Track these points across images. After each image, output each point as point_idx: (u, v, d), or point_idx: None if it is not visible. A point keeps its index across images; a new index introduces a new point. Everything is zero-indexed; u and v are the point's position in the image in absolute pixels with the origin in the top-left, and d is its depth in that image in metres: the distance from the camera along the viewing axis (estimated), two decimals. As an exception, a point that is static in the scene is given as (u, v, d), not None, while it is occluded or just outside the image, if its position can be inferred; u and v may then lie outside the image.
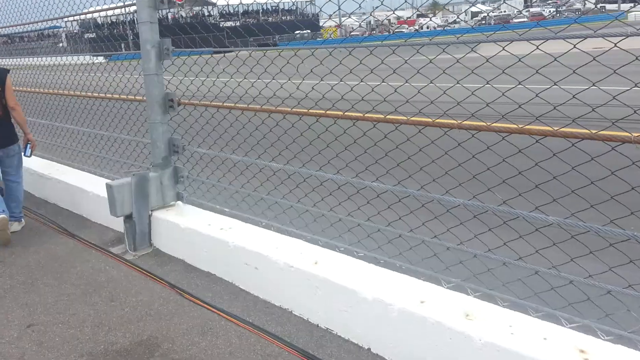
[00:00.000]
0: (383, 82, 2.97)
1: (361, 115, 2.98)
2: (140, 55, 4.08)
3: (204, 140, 4.19)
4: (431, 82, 2.69)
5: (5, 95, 4.65)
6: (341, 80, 3.03)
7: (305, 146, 3.53)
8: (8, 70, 4.70)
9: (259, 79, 3.73)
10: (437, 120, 2.66)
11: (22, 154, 4.95)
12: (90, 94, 5.50)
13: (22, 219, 5.05)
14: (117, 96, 5.12)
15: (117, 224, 4.66)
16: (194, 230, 3.80)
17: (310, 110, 3.30)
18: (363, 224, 3.14)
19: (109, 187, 4.02)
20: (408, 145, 2.96)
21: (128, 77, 5.19)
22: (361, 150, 3.19)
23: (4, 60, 8.35)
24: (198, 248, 3.78)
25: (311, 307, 2.96)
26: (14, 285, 3.79)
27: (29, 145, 4.99)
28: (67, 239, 4.63)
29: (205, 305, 3.29)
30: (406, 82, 3.00)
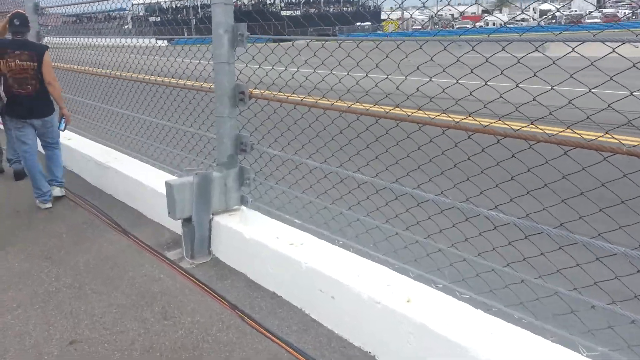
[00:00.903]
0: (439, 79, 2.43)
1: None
2: (212, 40, 3.63)
3: (276, 140, 3.70)
4: (486, 83, 2.19)
5: (42, 70, 4.88)
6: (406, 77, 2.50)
7: (402, 158, 2.98)
8: (47, 47, 5.02)
9: (331, 72, 3.20)
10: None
11: (57, 127, 5.20)
12: (154, 78, 5.12)
13: (63, 185, 5.33)
14: (182, 83, 4.71)
15: (174, 224, 4.26)
16: (259, 242, 3.33)
17: (413, 115, 2.77)
18: (470, 259, 2.58)
19: (168, 186, 3.60)
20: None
21: (192, 63, 4.77)
22: (472, 165, 2.63)
23: (69, 39, 8.17)
24: (263, 263, 3.31)
25: (402, 355, 2.43)
26: (60, 288, 3.43)
27: (63, 119, 5.21)
28: (121, 237, 4.26)
29: (270, 336, 2.81)
30: (457, 81, 2.46)
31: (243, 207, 3.87)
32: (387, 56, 2.89)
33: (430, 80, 2.61)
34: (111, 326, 2.97)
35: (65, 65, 7.70)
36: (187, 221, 3.72)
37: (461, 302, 2.47)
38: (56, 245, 4.14)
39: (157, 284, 3.43)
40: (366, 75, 2.93)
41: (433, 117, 2.64)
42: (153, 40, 6.28)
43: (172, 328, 2.92)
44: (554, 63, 2.17)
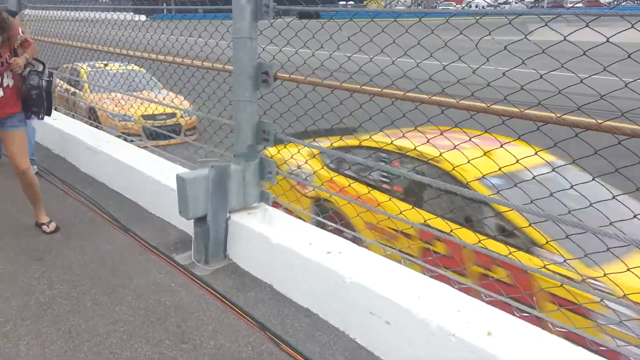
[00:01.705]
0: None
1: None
2: (232, 11, 3.12)
3: (306, 130, 3.22)
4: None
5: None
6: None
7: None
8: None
9: (382, 51, 2.73)
10: None
11: None
12: (154, 55, 4.57)
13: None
14: (188, 62, 4.17)
15: (180, 221, 3.77)
16: (289, 249, 2.87)
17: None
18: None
19: (180, 180, 3.11)
20: None
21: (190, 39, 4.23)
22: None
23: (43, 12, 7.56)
24: (294, 274, 2.86)
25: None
26: (54, 298, 2.94)
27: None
28: (120, 235, 3.76)
29: (312, 366, 2.37)
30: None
31: (263, 205, 3.39)
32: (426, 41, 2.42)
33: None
34: (119, 349, 2.50)
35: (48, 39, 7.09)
36: (200, 221, 3.23)
37: (553, 335, 2.05)
38: (46, 243, 3.63)
39: (168, 296, 2.95)
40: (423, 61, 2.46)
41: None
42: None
43: (192, 354, 2.46)
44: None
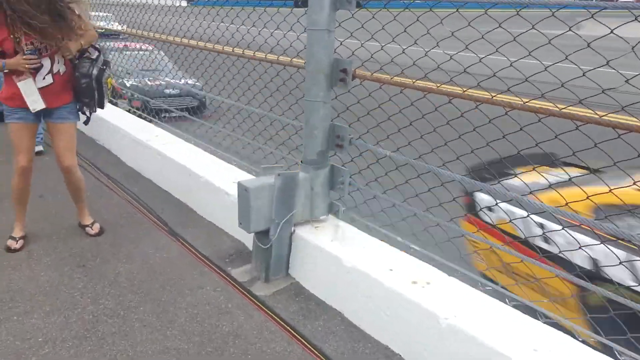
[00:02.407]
0: None
1: None
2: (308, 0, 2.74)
3: (389, 137, 2.82)
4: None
5: None
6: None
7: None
8: None
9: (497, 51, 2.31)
10: None
11: None
12: (211, 45, 4.22)
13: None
14: (251, 53, 3.81)
15: (234, 228, 3.42)
16: (366, 275, 2.48)
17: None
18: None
19: (242, 189, 2.75)
20: None
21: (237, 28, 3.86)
22: None
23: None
24: (371, 305, 2.46)
25: None
26: (99, 316, 2.62)
27: None
28: (169, 241, 3.43)
29: None
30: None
31: (333, 219, 3.01)
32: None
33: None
34: (171, 387, 2.16)
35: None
36: (262, 234, 2.87)
37: None
38: (90, 247, 3.32)
39: (225, 320, 2.60)
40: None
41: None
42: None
43: (257, 398, 2.10)
44: None
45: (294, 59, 3.31)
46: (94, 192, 4.17)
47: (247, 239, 3.33)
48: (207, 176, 3.74)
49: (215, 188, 3.59)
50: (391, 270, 2.46)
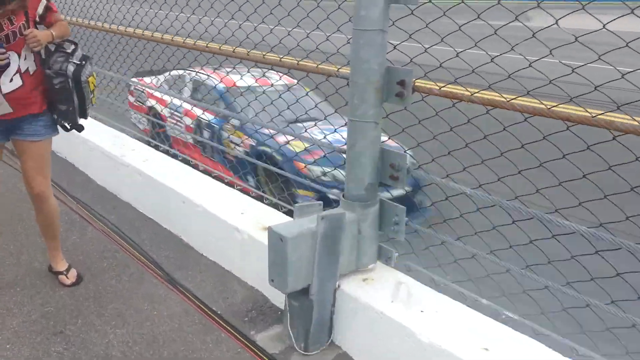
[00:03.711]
0: None
1: None
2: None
3: (464, 168, 2.23)
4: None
5: None
6: None
7: None
8: None
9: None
10: None
11: None
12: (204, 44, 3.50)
13: None
14: (260, 54, 3.12)
15: (245, 270, 2.80)
16: (451, 356, 1.89)
17: None
18: None
19: (277, 238, 2.12)
20: None
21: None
22: None
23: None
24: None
25: None
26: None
27: None
28: (167, 291, 2.76)
29: None
30: None
31: (385, 268, 2.41)
32: None
33: None
34: None
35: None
36: (299, 292, 2.24)
37: None
38: (67, 303, 2.62)
39: (265, 416, 1.97)
40: None
41: None
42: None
43: None
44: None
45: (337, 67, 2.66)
46: (63, 222, 3.42)
47: (265, 287, 2.70)
48: (207, 205, 3.07)
49: (220, 222, 2.94)
50: (487, 349, 1.89)
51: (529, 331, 1.97)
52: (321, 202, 2.35)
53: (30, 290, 2.71)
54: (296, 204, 2.30)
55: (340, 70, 2.51)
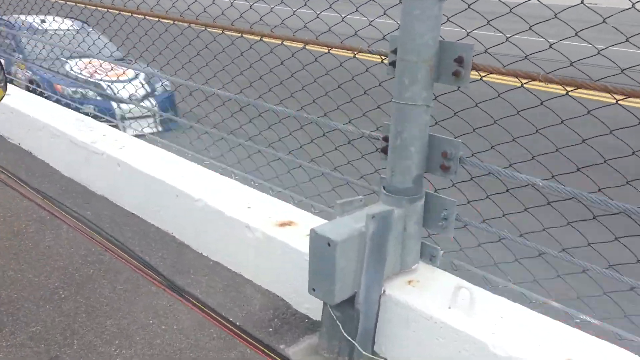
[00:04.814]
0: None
1: None
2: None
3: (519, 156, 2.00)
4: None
5: None
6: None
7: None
8: None
9: None
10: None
11: None
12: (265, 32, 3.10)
13: None
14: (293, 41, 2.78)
15: (258, 272, 2.50)
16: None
17: None
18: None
19: (324, 242, 1.83)
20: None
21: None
22: None
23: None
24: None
25: None
26: None
27: None
28: (172, 300, 2.41)
29: None
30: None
31: (431, 268, 2.16)
32: None
33: None
34: None
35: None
36: (344, 303, 1.96)
37: None
38: (57, 322, 2.23)
39: None
40: None
41: None
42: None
43: None
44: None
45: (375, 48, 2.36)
46: (31, 220, 3.00)
47: (284, 291, 2.42)
48: (207, 198, 2.73)
49: (226, 218, 2.60)
50: (573, 360, 1.68)
51: (613, 337, 1.78)
52: (361, 197, 2.07)
53: (8, 307, 2.30)
54: (337, 202, 2.00)
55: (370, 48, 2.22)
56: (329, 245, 1.82)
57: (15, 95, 4.39)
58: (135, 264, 2.67)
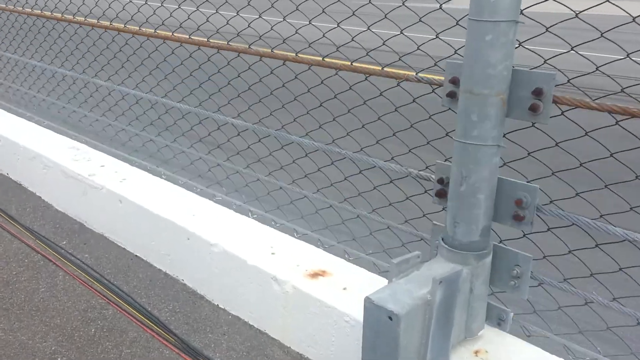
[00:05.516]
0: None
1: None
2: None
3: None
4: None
5: None
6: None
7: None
8: None
9: None
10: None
11: None
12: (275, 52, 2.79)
13: None
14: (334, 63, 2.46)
15: (290, 335, 2.17)
16: None
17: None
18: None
19: (383, 315, 1.51)
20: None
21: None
22: None
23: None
24: None
25: None
26: None
27: None
28: (189, 368, 2.07)
29: None
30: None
31: (501, 334, 1.84)
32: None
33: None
34: None
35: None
36: (403, 381, 1.63)
37: None
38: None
39: None
40: None
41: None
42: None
43: None
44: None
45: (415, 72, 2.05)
46: (23, 267, 2.65)
47: (316, 353, 2.09)
48: (225, 243, 2.40)
49: (248, 267, 2.28)
50: None
51: None
52: (419, 253, 1.75)
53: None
54: (393, 261, 1.67)
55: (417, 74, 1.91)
56: (391, 319, 1.49)
57: (2, 120, 4.05)
58: (143, 320, 2.33)
